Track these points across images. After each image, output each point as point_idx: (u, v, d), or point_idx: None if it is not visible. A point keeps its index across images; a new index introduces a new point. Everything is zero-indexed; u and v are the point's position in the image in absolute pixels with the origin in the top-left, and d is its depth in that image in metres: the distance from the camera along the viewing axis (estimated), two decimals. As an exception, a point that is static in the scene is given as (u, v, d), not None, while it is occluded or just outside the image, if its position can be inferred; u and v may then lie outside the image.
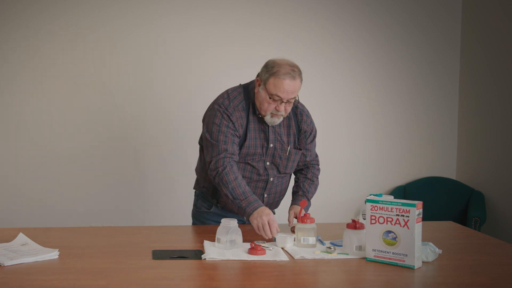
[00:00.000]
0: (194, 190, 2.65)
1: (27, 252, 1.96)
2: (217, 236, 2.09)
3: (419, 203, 1.89)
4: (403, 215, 1.88)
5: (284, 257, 1.98)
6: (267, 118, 2.34)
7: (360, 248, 2.01)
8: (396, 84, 4.33)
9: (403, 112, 4.35)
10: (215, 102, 2.43)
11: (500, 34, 3.95)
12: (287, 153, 2.44)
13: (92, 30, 4.02)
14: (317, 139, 4.30)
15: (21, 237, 2.11)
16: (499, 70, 3.95)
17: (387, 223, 1.92)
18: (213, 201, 2.52)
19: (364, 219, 2.02)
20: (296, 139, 2.48)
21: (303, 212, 2.20)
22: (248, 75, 4.26)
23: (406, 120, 4.35)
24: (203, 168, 2.51)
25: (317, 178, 2.62)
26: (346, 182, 4.31)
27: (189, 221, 2.67)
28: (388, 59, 4.31)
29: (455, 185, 4.25)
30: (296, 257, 1.99)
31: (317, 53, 4.22)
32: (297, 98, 2.34)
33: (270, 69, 2.28)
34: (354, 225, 2.03)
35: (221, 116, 2.34)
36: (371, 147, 4.33)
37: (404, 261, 1.88)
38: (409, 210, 1.87)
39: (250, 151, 2.38)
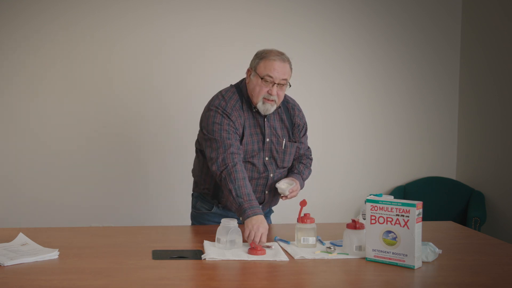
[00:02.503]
0: (192, 193, 2.65)
1: (27, 252, 1.96)
2: (217, 236, 2.09)
3: (419, 203, 1.89)
4: (403, 215, 1.88)
5: (284, 257, 1.98)
6: (260, 105, 2.37)
7: (360, 248, 2.01)
8: (396, 84, 4.33)
9: (403, 112, 4.35)
10: (211, 104, 2.44)
11: (500, 34, 3.95)
12: (283, 146, 2.47)
13: (92, 30, 4.02)
14: (317, 139, 4.33)
15: (21, 237, 2.11)
16: (499, 70, 3.95)
17: (387, 223, 1.92)
18: (214, 201, 2.52)
19: (364, 219, 2.02)
20: (290, 133, 2.51)
21: (303, 212, 2.20)
22: (248, 75, 4.27)
23: (406, 120, 4.35)
24: (202, 169, 2.51)
25: (310, 166, 2.65)
26: (346, 182, 4.31)
27: (189, 221, 2.66)
28: (388, 59, 4.31)
29: (455, 185, 4.25)
30: (296, 257, 1.99)
31: (317, 53, 4.22)
32: (289, 85, 2.41)
33: (259, 55, 2.38)
34: (354, 225, 2.03)
35: (221, 116, 2.36)
36: (371, 147, 4.33)
37: (404, 261, 1.88)
38: (409, 210, 1.87)
39: (249, 148, 2.40)
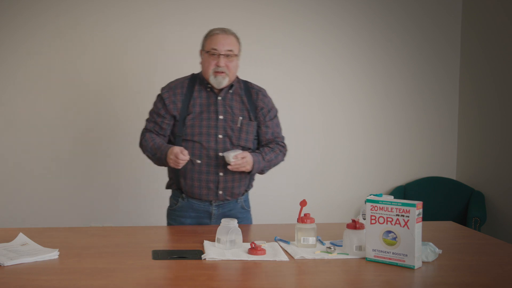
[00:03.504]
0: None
1: (27, 252, 1.96)
2: (217, 236, 2.09)
3: (419, 203, 1.89)
4: (403, 215, 1.88)
5: (284, 257, 1.98)
6: (212, 79, 2.48)
7: (360, 248, 2.01)
8: (396, 84, 4.33)
9: (403, 112, 4.35)
10: None
11: (500, 34, 3.95)
12: (239, 124, 2.50)
13: (92, 30, 4.02)
14: (317, 139, 4.32)
15: (21, 237, 2.11)
16: (499, 70, 3.95)
17: (387, 223, 1.92)
18: (178, 192, 2.58)
19: (364, 219, 2.02)
20: (250, 114, 2.54)
21: (303, 212, 2.20)
22: (248, 75, 4.26)
23: (406, 120, 4.35)
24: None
25: (280, 151, 2.62)
26: (346, 182, 4.31)
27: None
28: (388, 59, 4.31)
29: (455, 185, 4.25)
30: (296, 257, 1.99)
31: (317, 53, 4.22)
32: (237, 54, 2.54)
33: (205, 36, 2.55)
34: (354, 225, 2.03)
35: (156, 100, 2.59)
36: (371, 147, 4.33)
37: (404, 261, 1.88)
38: (409, 210, 1.87)
39: (196, 123, 2.48)
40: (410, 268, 1.86)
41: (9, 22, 3.96)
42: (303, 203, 2.20)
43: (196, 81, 2.57)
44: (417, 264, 1.87)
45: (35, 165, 4.03)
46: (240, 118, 2.51)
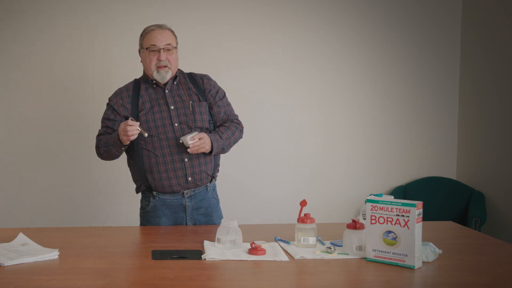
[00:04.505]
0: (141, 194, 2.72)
1: (27, 252, 1.96)
2: (217, 236, 2.09)
3: (419, 203, 1.89)
4: (403, 215, 1.88)
5: (284, 257, 1.98)
6: (155, 75, 2.55)
7: (360, 248, 2.01)
8: (396, 84, 4.33)
9: (403, 112, 4.35)
10: None
11: (500, 34, 3.95)
12: (190, 107, 2.56)
13: (92, 31, 4.03)
14: (317, 139, 4.32)
15: (21, 237, 2.11)
16: (499, 70, 3.95)
17: (387, 223, 1.92)
18: (148, 192, 2.61)
19: (364, 219, 2.02)
20: (200, 97, 2.60)
21: (303, 212, 2.20)
22: (248, 74, 4.30)
23: (406, 120, 4.35)
24: (132, 164, 2.65)
25: (236, 128, 2.67)
26: (346, 182, 4.31)
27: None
28: (388, 59, 4.31)
29: (455, 185, 4.25)
30: (296, 257, 1.99)
31: (317, 53, 4.22)
32: (175, 46, 2.56)
33: (141, 34, 2.61)
34: (354, 225, 2.03)
35: (105, 109, 2.65)
36: (371, 147, 4.33)
37: (404, 261, 1.88)
38: (409, 210, 1.87)
39: (149, 117, 2.53)
40: (410, 268, 1.86)
41: (9, 23, 3.96)
42: (303, 203, 2.20)
43: (141, 82, 2.65)
44: (417, 264, 1.87)
45: (35, 165, 4.03)
46: (191, 102, 2.58)
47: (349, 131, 4.30)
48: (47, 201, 4.03)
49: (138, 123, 2.39)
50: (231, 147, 2.65)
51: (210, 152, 2.54)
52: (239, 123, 2.70)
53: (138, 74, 4.03)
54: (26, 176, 4.02)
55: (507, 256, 2.07)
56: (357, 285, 1.77)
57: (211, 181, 2.66)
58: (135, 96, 2.59)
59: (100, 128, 2.65)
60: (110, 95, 2.69)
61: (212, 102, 2.64)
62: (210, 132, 2.60)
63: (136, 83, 2.66)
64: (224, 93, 2.72)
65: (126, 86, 2.66)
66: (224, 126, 2.64)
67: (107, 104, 2.65)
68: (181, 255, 2.00)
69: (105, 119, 2.62)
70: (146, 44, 2.56)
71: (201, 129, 2.57)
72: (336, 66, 4.26)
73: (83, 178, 4.05)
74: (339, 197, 4.29)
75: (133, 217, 4.00)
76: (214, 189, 2.70)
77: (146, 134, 2.44)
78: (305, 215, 2.14)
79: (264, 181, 4.23)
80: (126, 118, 2.55)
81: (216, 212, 2.68)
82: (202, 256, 1.97)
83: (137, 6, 4.04)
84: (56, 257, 1.96)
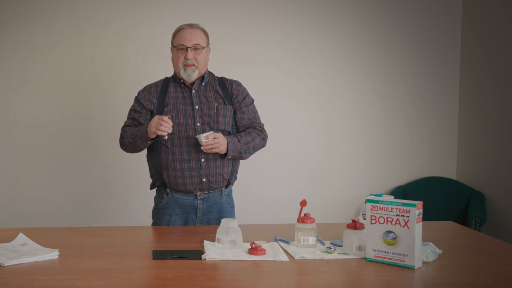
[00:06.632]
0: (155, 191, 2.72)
1: (27, 252, 1.96)
2: (217, 236, 2.09)
3: (419, 203, 1.89)
4: (403, 215, 1.88)
5: (284, 257, 1.98)
6: (182, 73, 2.58)
7: (360, 248, 2.01)
8: (396, 84, 4.33)
9: (403, 112, 4.35)
10: None
11: (500, 34, 3.95)
12: (215, 109, 2.57)
13: (92, 31, 4.03)
14: (317, 139, 4.32)
15: (21, 237, 2.11)
16: (499, 70, 3.95)
17: (387, 223, 1.92)
18: (162, 189, 2.60)
19: (364, 219, 2.02)
20: (226, 101, 2.61)
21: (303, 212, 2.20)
22: (248, 74, 4.30)
23: (406, 120, 4.35)
24: (150, 159, 2.67)
25: (258, 135, 2.66)
26: (346, 182, 4.31)
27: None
28: (388, 59, 4.31)
29: (455, 185, 4.25)
30: (296, 257, 1.99)
31: (317, 53, 4.22)
32: (205, 46, 2.59)
33: (173, 33, 2.65)
34: (354, 225, 2.03)
35: (133, 102, 2.69)
36: (371, 147, 4.33)
37: (404, 261, 1.88)
38: (409, 210, 1.87)
39: (173, 114, 2.56)
40: (410, 268, 1.86)
41: (9, 23, 3.96)
42: (303, 203, 2.20)
43: (170, 80, 2.69)
44: (417, 264, 1.87)
45: (35, 165, 4.03)
46: (216, 104, 2.59)
47: (349, 131, 4.31)
48: (47, 201, 4.03)
49: (171, 124, 2.43)
50: (250, 153, 2.63)
51: (226, 155, 2.53)
52: (262, 131, 2.68)
53: (139, 73, 4.07)
54: (26, 176, 4.02)
55: (507, 256, 2.07)
56: (357, 285, 1.77)
57: (227, 186, 2.64)
58: (163, 92, 2.63)
59: (126, 120, 2.70)
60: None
61: (237, 107, 2.63)
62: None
63: (166, 80, 2.70)
64: (252, 100, 2.71)
65: (156, 83, 2.70)
66: (246, 131, 2.64)
67: (135, 97, 2.70)
68: (181, 255, 2.00)
69: (132, 111, 2.68)
70: (176, 43, 2.60)
71: (223, 132, 2.56)
72: (336, 66, 4.26)
73: (84, 178, 4.05)
74: (339, 197, 4.29)
75: (134, 217, 4.02)
76: (229, 195, 2.67)
77: (166, 137, 2.45)
78: (305, 215, 2.14)
79: (264, 181, 4.23)
80: (152, 112, 2.60)
81: (228, 217, 2.60)
82: (202, 256, 1.97)
83: (137, 6, 4.05)
84: (56, 257, 1.95)
